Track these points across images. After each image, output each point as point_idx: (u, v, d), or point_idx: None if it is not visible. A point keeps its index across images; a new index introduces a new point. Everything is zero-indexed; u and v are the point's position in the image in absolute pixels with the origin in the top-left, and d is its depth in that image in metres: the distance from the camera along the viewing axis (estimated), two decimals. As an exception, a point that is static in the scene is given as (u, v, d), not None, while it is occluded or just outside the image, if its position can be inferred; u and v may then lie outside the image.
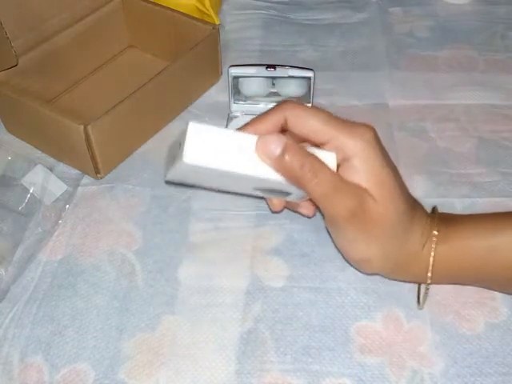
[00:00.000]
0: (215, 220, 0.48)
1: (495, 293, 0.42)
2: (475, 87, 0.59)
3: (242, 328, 0.41)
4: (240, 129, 0.38)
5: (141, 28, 0.63)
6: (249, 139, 0.35)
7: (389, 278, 0.42)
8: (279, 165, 0.35)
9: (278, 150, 0.34)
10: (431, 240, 0.38)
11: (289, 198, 0.41)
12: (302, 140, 0.38)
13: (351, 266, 0.42)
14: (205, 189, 0.44)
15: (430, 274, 0.38)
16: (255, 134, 0.35)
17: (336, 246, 0.41)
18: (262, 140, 0.34)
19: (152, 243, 0.46)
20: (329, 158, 0.36)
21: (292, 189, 0.37)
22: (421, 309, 0.41)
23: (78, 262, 0.45)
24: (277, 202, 0.42)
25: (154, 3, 0.61)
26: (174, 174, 0.37)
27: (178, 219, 0.48)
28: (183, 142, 0.34)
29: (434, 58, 0.64)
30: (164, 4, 0.61)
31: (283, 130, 0.38)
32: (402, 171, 0.46)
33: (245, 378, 0.38)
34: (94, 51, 0.62)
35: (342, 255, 0.41)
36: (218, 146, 0.34)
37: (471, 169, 0.51)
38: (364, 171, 0.36)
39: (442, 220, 0.39)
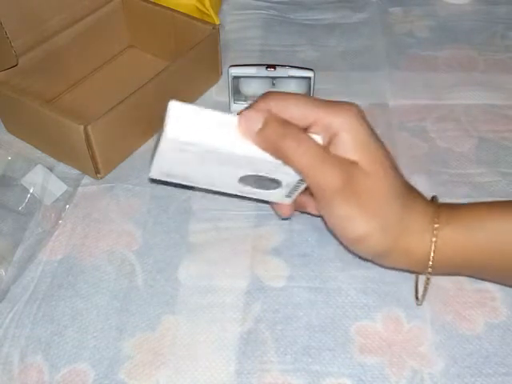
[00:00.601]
0: (215, 220, 0.48)
1: (495, 293, 0.42)
2: (475, 87, 0.59)
3: (242, 328, 0.41)
4: None
5: (141, 28, 0.63)
6: (230, 117, 0.35)
7: (382, 264, 0.41)
8: (262, 138, 0.34)
9: (259, 124, 0.34)
10: (433, 221, 0.37)
11: (277, 196, 0.40)
12: None
13: (348, 250, 0.41)
14: (189, 187, 0.43)
15: (431, 257, 0.37)
16: None
17: (330, 229, 0.39)
18: (243, 115, 0.35)
19: (152, 243, 0.46)
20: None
21: (279, 174, 0.36)
22: (420, 305, 0.41)
23: (78, 262, 0.45)
24: (285, 207, 0.42)
25: (154, 3, 0.61)
26: (158, 166, 0.37)
27: (178, 219, 0.48)
28: (166, 122, 0.34)
29: (434, 58, 0.64)
30: (164, 4, 0.61)
31: None
32: (402, 171, 0.46)
33: (245, 378, 0.38)
34: (94, 51, 0.62)
35: (338, 238, 0.40)
36: (201, 122, 0.34)
37: (471, 169, 0.51)
38: (353, 144, 0.36)
39: (444, 204, 0.38)
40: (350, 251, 0.41)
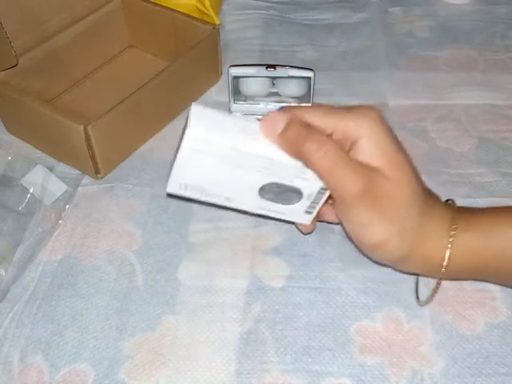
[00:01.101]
0: (215, 220, 0.48)
1: (495, 293, 0.42)
2: (475, 87, 0.59)
3: (242, 328, 0.41)
4: None
5: (141, 28, 0.63)
6: (252, 122, 0.35)
7: (400, 269, 0.41)
8: (284, 139, 0.34)
9: (281, 125, 0.34)
10: (450, 228, 0.36)
11: (298, 213, 0.40)
12: None
13: (364, 255, 0.40)
14: (207, 204, 0.42)
15: (446, 263, 0.36)
16: None
17: (348, 234, 0.39)
18: (265, 117, 0.35)
19: (152, 243, 0.46)
20: None
21: (301, 181, 0.36)
22: (423, 306, 0.41)
23: (78, 262, 0.45)
24: (306, 225, 0.42)
25: (154, 3, 0.61)
26: (176, 177, 0.37)
27: (178, 219, 0.48)
28: (187, 123, 0.34)
29: (434, 58, 0.64)
30: (164, 4, 0.61)
31: None
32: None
33: (245, 378, 0.38)
34: (94, 51, 0.62)
35: (355, 244, 0.39)
36: (223, 124, 0.35)
37: (471, 169, 0.51)
38: (373, 150, 0.35)
39: (462, 209, 0.38)
40: (368, 257, 0.41)
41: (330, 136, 0.36)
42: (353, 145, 0.36)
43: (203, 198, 0.40)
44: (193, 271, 0.44)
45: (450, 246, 0.36)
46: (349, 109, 0.37)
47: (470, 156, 0.52)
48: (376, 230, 0.36)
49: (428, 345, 0.39)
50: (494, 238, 0.36)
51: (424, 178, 0.39)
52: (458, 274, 0.39)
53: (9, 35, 0.49)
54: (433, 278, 0.39)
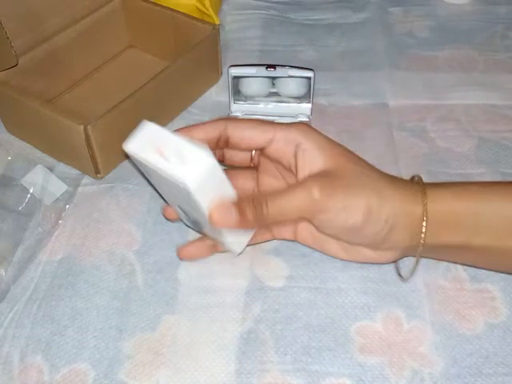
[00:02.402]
0: (215, 220, 0.48)
1: (495, 293, 0.42)
2: (475, 87, 0.59)
3: (242, 328, 0.41)
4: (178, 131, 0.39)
5: (141, 28, 0.63)
6: (195, 148, 0.35)
7: (388, 247, 0.40)
8: (244, 225, 0.37)
9: (233, 214, 0.37)
10: (422, 186, 0.38)
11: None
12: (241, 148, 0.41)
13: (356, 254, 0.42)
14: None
15: (424, 230, 0.37)
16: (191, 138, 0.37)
17: (338, 236, 0.40)
18: (215, 209, 0.37)
19: (152, 243, 0.46)
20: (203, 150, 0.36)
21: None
22: (405, 281, 0.42)
23: (78, 262, 0.45)
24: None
25: (154, 3, 0.61)
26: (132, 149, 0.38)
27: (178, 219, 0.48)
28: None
29: (434, 58, 0.64)
30: (164, 4, 0.61)
31: (217, 146, 0.41)
32: (402, 171, 0.46)
33: (245, 378, 0.38)
34: (94, 51, 0.62)
35: (348, 239, 0.40)
36: (159, 144, 0.36)
37: (471, 169, 0.51)
38: (316, 147, 0.38)
39: (429, 183, 0.39)
40: (362, 248, 0.41)
41: (267, 147, 0.40)
42: (296, 150, 0.39)
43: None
44: (193, 271, 0.44)
45: (425, 201, 0.38)
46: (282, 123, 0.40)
47: (470, 156, 0.52)
48: (355, 204, 0.37)
49: (428, 345, 0.39)
50: (464, 196, 0.38)
51: (424, 178, 0.39)
52: (438, 238, 0.38)
53: (9, 35, 0.49)
54: (413, 253, 0.40)
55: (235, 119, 0.40)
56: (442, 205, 0.38)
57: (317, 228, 0.40)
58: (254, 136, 0.40)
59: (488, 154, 0.52)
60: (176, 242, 0.46)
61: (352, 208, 0.37)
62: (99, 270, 0.45)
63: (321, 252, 0.43)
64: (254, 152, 0.43)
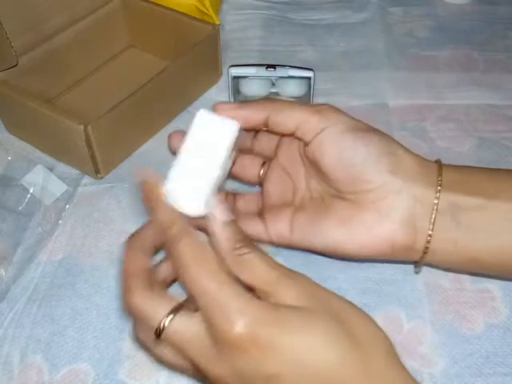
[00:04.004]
0: (215, 220, 0.48)
1: (495, 293, 0.42)
2: (475, 87, 0.59)
3: (242, 328, 0.41)
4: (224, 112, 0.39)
5: (141, 28, 0.63)
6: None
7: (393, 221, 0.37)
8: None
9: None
10: (438, 171, 0.37)
11: None
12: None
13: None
14: None
15: (437, 195, 0.36)
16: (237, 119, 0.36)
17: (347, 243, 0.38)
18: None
19: (152, 243, 0.46)
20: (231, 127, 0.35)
21: None
22: (417, 272, 0.42)
23: (78, 262, 0.45)
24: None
25: (154, 3, 0.61)
26: None
27: (178, 219, 0.48)
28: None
29: (434, 58, 0.64)
30: (164, 4, 0.61)
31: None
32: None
33: (245, 378, 0.38)
34: (94, 51, 0.62)
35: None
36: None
37: (471, 169, 0.51)
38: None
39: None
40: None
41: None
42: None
43: None
44: (193, 271, 0.44)
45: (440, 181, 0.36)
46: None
47: (470, 156, 0.52)
48: (366, 174, 0.36)
49: (428, 345, 0.39)
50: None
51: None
52: (454, 198, 0.37)
53: (9, 35, 0.49)
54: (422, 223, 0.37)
55: (279, 104, 0.38)
56: (458, 170, 0.38)
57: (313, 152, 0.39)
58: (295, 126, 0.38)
59: (488, 153, 0.52)
60: (176, 242, 0.46)
61: (363, 174, 0.36)
62: (99, 270, 0.45)
63: (319, 238, 0.39)
64: (262, 171, 0.43)
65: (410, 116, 0.57)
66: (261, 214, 0.41)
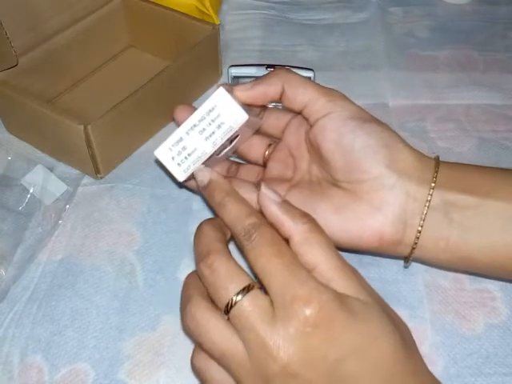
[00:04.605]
0: (215, 220, 0.48)
1: (495, 293, 0.42)
2: (475, 87, 0.59)
3: (242, 328, 0.41)
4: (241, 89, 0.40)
5: (141, 28, 0.63)
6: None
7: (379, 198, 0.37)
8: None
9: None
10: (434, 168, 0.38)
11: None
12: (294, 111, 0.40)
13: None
14: None
15: (432, 185, 0.37)
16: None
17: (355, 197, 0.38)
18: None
19: (152, 243, 0.46)
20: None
21: None
22: (406, 267, 0.42)
23: (78, 262, 0.45)
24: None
25: (154, 3, 0.61)
26: None
27: (178, 219, 0.48)
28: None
29: (434, 58, 0.64)
30: (164, 4, 0.61)
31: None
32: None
33: (245, 378, 0.38)
34: (94, 51, 0.62)
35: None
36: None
37: (471, 169, 0.51)
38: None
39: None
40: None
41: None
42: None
43: None
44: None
45: (435, 176, 0.37)
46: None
47: (470, 156, 0.52)
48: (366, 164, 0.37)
49: (428, 345, 0.39)
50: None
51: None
52: (447, 196, 0.37)
53: (9, 35, 0.49)
54: (412, 220, 0.37)
55: (292, 77, 0.40)
56: (455, 168, 0.39)
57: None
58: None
59: (488, 153, 0.52)
60: (176, 241, 0.46)
61: (364, 162, 0.37)
62: (99, 270, 0.45)
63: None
64: (267, 152, 0.44)
65: (409, 116, 0.57)
66: (258, 185, 0.41)
